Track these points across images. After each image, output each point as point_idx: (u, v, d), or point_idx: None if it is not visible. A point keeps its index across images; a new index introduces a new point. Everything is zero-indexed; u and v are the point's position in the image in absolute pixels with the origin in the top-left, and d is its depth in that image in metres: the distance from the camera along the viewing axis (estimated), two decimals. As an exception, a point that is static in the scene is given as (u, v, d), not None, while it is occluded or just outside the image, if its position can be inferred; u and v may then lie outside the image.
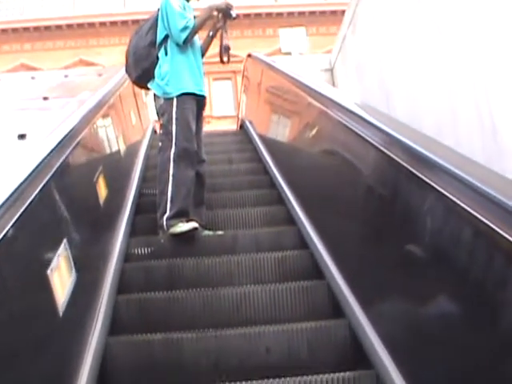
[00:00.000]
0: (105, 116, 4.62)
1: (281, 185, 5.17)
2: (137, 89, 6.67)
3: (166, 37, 4.66)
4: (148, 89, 4.92)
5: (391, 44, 6.06)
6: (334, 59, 9.12)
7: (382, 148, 2.73)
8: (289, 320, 3.24)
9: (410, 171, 2.36)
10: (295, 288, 3.44)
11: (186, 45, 4.63)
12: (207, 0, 5.20)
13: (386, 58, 6.28)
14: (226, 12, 4.75)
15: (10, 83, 8.67)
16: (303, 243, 4.17)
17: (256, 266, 3.84)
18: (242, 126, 9.25)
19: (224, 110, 28.74)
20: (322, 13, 30.70)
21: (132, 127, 6.42)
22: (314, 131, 4.35)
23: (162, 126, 4.67)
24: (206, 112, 5.01)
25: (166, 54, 4.64)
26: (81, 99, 4.27)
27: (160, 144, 4.65)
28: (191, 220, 4.36)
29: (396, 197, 2.71)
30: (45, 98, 5.30)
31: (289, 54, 12.21)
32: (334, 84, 8.86)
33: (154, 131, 8.49)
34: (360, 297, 3.04)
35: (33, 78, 8.61)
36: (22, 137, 2.79)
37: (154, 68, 4.70)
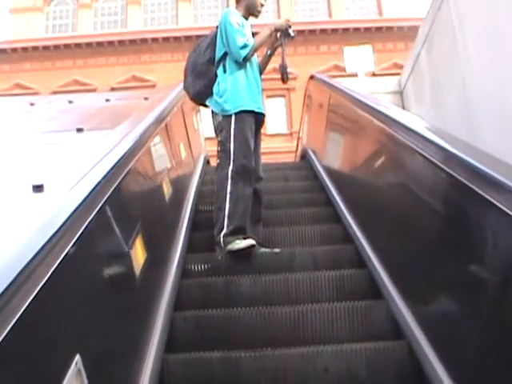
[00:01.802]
0: (147, 155, 3.89)
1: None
2: (188, 114, 6.51)
3: (225, 54, 4.76)
4: (206, 106, 5.00)
5: (482, 61, 5.48)
6: (405, 81, 8.76)
7: (456, 175, 2.67)
8: (347, 340, 3.26)
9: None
10: (353, 307, 3.45)
11: (245, 62, 4.72)
12: (265, 18, 5.30)
13: (473, 78, 5.67)
14: (285, 31, 4.84)
15: (45, 108, 7.43)
16: (361, 262, 4.20)
17: (313, 284, 3.88)
18: (304, 157, 8.45)
19: (277, 128, 28.85)
20: (378, 29, 30.66)
21: (181, 162, 5.64)
22: (390, 164, 4.07)
23: (220, 142, 4.73)
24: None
25: (225, 71, 4.73)
26: (122, 130, 3.69)
27: (218, 161, 4.71)
28: (248, 237, 4.41)
29: (458, 217, 2.71)
30: (79, 130, 4.34)
31: (354, 74, 11.65)
32: (403, 107, 8.41)
33: (207, 161, 8.12)
34: (419, 317, 3.04)
35: (70, 102, 7.56)
36: (37, 188, 2.22)
37: (213, 85, 4.79)
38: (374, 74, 12.27)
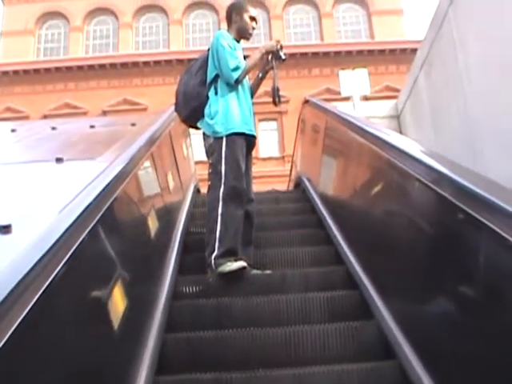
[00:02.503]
0: (129, 188, 3.49)
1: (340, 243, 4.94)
2: (177, 141, 6.35)
3: (217, 76, 4.81)
4: (198, 128, 5.03)
5: (485, 83, 5.19)
6: (402, 105, 8.56)
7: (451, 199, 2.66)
8: (338, 360, 3.26)
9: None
10: (344, 328, 3.47)
11: (236, 85, 4.78)
12: (257, 41, 5.34)
13: (475, 101, 5.35)
14: (276, 53, 4.89)
15: (26, 135, 6.79)
16: (352, 283, 4.21)
17: (304, 305, 3.88)
18: (299, 185, 8.06)
19: (269, 152, 28.92)
20: (370, 52, 30.87)
21: (168, 193, 5.21)
22: (384, 188, 3.97)
23: (211, 165, 4.76)
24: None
25: (216, 93, 4.78)
26: (104, 161, 3.42)
27: (209, 183, 4.74)
28: (240, 259, 4.42)
29: (447, 237, 2.74)
30: (58, 160, 3.86)
31: (347, 98, 11.55)
32: (400, 132, 8.13)
33: (197, 190, 7.90)
34: (411, 337, 3.05)
35: (53, 128, 6.87)
36: (4, 229, 2.03)
37: (204, 107, 4.84)
38: (366, 98, 12.04)
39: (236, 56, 4.79)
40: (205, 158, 4.87)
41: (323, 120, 6.42)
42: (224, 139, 4.68)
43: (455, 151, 5.56)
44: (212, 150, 4.75)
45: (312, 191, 6.82)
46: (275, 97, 4.95)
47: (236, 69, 4.75)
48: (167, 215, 5.01)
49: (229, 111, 4.75)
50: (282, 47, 4.92)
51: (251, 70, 4.90)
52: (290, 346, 3.40)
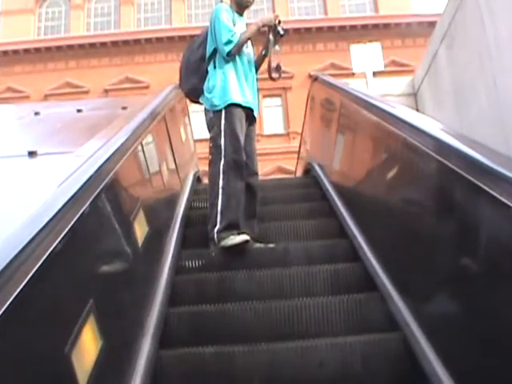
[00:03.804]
0: (115, 184, 3.12)
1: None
2: (174, 124, 6.15)
3: (215, 50, 4.84)
4: (200, 103, 5.05)
5: None
6: (419, 82, 8.14)
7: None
8: (341, 333, 3.28)
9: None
10: (347, 300, 3.48)
11: (230, 58, 4.80)
12: (260, 16, 5.32)
13: (506, 78, 4.83)
14: (273, 28, 4.90)
15: (5, 122, 6.17)
16: (355, 256, 4.23)
17: (308, 278, 3.92)
18: (309, 171, 7.45)
19: (274, 128, 28.84)
20: (375, 26, 30.66)
21: (162, 185, 4.76)
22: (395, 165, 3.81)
23: (211, 138, 4.79)
24: (256, 130, 5.12)
25: (215, 67, 4.82)
26: (85, 154, 2.94)
27: (210, 157, 4.77)
28: (242, 233, 4.46)
29: (451, 209, 2.74)
30: (31, 154, 3.35)
31: (350, 73, 11.06)
32: (417, 111, 7.44)
33: (198, 178, 7.42)
34: (415, 309, 3.08)
35: (37, 113, 6.18)
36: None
37: (203, 83, 4.89)
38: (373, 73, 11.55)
39: (230, 29, 4.79)
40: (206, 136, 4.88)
41: (337, 100, 5.91)
42: (223, 112, 4.71)
43: (483, 132, 5.18)
44: (212, 123, 4.79)
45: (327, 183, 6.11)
46: (271, 72, 4.97)
47: (228, 42, 4.76)
48: (159, 219, 4.49)
49: (226, 83, 4.78)
50: (280, 22, 4.90)
51: (245, 43, 4.90)
52: (292, 319, 3.42)
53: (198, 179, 7.39)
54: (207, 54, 4.90)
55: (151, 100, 5.50)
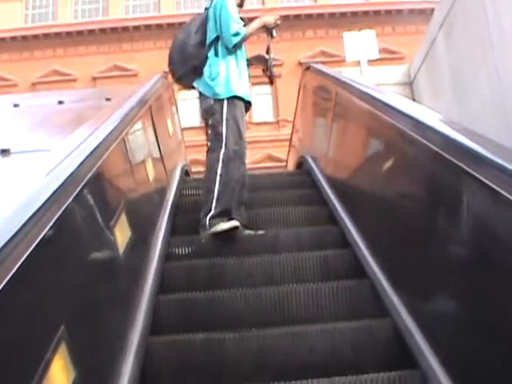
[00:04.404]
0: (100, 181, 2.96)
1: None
2: (160, 116, 5.90)
3: (217, 38, 4.86)
4: (190, 88, 5.09)
5: None
6: (416, 70, 8.02)
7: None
8: (331, 319, 3.31)
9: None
10: (337, 287, 3.52)
11: (234, 50, 4.86)
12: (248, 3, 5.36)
13: (510, 67, 4.70)
14: (269, 29, 5.04)
15: None
16: (345, 242, 4.25)
17: (297, 265, 3.94)
18: (302, 165, 7.21)
19: (263, 116, 28.81)
20: (365, 13, 30.62)
21: (146, 182, 4.43)
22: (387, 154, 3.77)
23: (211, 126, 4.82)
24: (245, 118, 5.15)
25: (216, 54, 4.84)
26: (63, 152, 2.63)
27: (209, 144, 4.81)
28: (232, 219, 4.49)
29: (440, 195, 2.76)
30: (4, 152, 3.05)
31: (342, 60, 10.85)
32: (414, 101, 7.03)
33: (186, 172, 7.10)
34: (404, 295, 3.11)
35: (16, 105, 5.79)
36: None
37: (202, 68, 4.88)
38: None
39: (238, 21, 4.85)
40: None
41: (332, 91, 5.60)
42: (225, 101, 4.75)
43: (484, 123, 5.03)
44: (212, 111, 4.80)
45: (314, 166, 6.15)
46: (272, 75, 5.24)
47: (236, 34, 4.81)
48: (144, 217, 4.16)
49: (230, 75, 4.82)
50: (278, 25, 5.05)
51: (249, 37, 4.96)
52: (282, 305, 3.45)
53: (186, 173, 7.16)
54: (207, 41, 4.91)
55: (136, 90, 5.25)
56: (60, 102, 5.90)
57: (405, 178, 3.32)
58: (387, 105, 3.67)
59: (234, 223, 4.44)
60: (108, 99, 5.60)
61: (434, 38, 6.94)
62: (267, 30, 5.06)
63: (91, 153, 2.74)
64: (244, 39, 4.88)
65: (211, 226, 4.44)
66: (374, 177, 3.95)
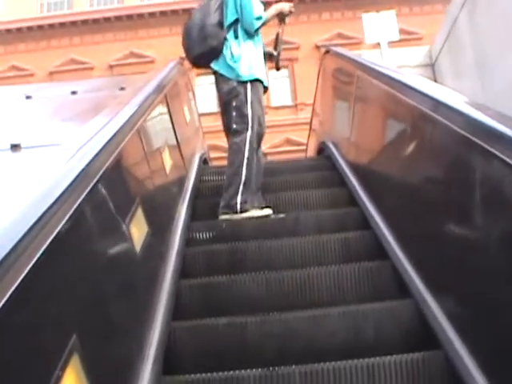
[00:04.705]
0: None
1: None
2: (177, 104, 5.77)
3: (236, 20, 4.88)
4: (205, 68, 5.11)
5: None
6: (437, 52, 7.80)
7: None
8: (353, 301, 3.32)
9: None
10: (359, 268, 3.52)
11: (255, 33, 4.91)
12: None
13: None
14: (282, 17, 5.10)
15: None
16: (366, 224, 4.25)
17: (318, 248, 3.95)
18: (323, 151, 7.01)
19: (281, 100, 28.75)
20: (381, -7, 30.37)
21: (164, 174, 4.30)
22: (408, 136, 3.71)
23: (235, 108, 4.82)
24: (264, 102, 5.18)
25: (236, 37, 4.86)
26: (72, 148, 2.49)
27: (234, 126, 4.82)
28: (268, 206, 4.63)
29: (461, 174, 2.75)
30: (14, 147, 2.97)
31: (360, 42, 10.60)
32: (435, 82, 6.86)
33: (204, 160, 6.89)
34: (426, 276, 3.10)
35: (28, 97, 5.51)
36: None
37: (221, 48, 4.87)
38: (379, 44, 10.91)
39: (260, 4, 4.90)
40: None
41: (353, 75, 5.42)
42: (248, 84, 4.80)
43: (510, 105, 4.81)
44: (236, 92, 4.83)
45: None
46: (279, 61, 5.29)
47: (259, 18, 4.84)
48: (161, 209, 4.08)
49: (251, 57, 4.86)
50: (291, 13, 5.12)
51: (268, 22, 5.01)
52: (304, 288, 3.46)
53: (204, 161, 6.99)
54: (226, 22, 4.90)
55: (151, 78, 5.10)
56: (73, 93, 5.80)
57: (428, 160, 3.30)
58: (412, 88, 3.57)
59: (269, 211, 4.55)
60: (122, 89, 5.51)
61: (455, 18, 6.77)
62: (281, 17, 5.10)
63: (104, 146, 2.61)
64: (264, 24, 4.91)
65: (243, 210, 4.53)
66: (399, 160, 3.92)
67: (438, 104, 3.07)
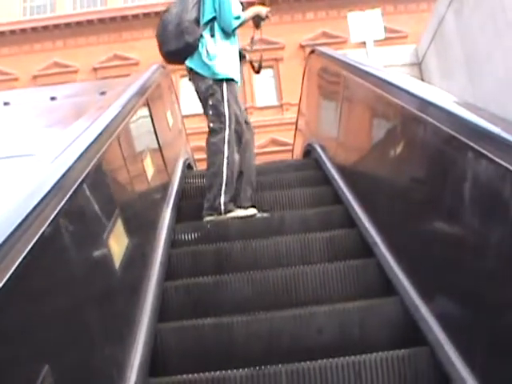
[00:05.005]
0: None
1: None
2: (158, 109, 5.52)
3: (213, 18, 4.86)
4: (178, 63, 5.10)
5: None
6: (424, 50, 7.72)
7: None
8: (339, 300, 3.32)
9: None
10: (344, 267, 3.53)
11: (232, 33, 4.91)
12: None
13: None
14: (258, 20, 5.07)
15: None
16: (351, 222, 4.25)
17: (304, 246, 3.95)
18: (309, 153, 6.92)
19: (267, 100, 28.75)
20: (366, -8, 30.44)
21: (145, 181, 4.13)
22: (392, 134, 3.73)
23: (211, 106, 4.81)
24: (248, 103, 5.20)
25: (213, 35, 4.83)
26: (47, 158, 2.40)
27: (211, 125, 4.81)
28: (253, 206, 4.63)
29: (445, 171, 2.76)
30: None
31: (344, 41, 10.58)
32: (423, 81, 6.89)
33: (188, 165, 6.81)
34: (412, 274, 3.11)
35: (6, 103, 5.29)
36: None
37: (196, 45, 4.83)
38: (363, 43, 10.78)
39: (239, 4, 4.89)
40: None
41: (340, 75, 5.33)
42: (224, 82, 4.78)
43: (499, 104, 4.82)
44: (212, 91, 4.81)
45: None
46: (260, 65, 5.33)
47: (237, 18, 4.83)
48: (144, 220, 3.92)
49: (226, 56, 4.84)
50: (267, 18, 5.08)
51: (246, 22, 5.00)
52: (290, 287, 3.47)
53: (188, 166, 6.89)
54: (203, 20, 4.87)
55: (132, 82, 4.89)
56: (53, 98, 5.50)
57: (417, 159, 3.31)
58: (402, 89, 3.50)
59: (255, 211, 4.56)
60: (103, 93, 5.29)
61: (442, 16, 6.73)
62: (257, 20, 5.07)
63: (81, 155, 2.49)
64: (241, 24, 4.91)
65: (226, 211, 4.53)
66: (387, 159, 3.86)
67: (426, 103, 3.08)
